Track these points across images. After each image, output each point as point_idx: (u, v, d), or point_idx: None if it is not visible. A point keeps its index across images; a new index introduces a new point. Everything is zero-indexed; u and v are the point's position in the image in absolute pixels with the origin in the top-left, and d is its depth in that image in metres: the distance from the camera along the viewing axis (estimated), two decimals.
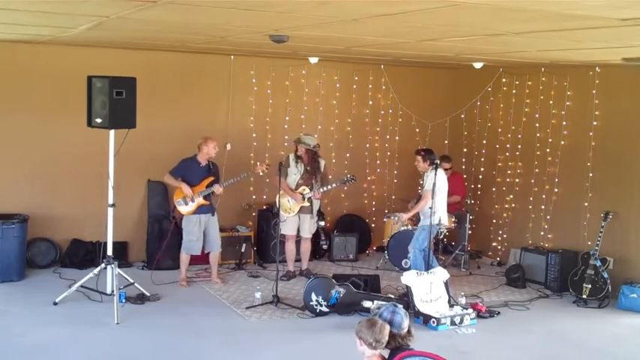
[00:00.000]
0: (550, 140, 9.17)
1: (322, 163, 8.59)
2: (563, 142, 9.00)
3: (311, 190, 8.42)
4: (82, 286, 7.29)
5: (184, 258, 8.28)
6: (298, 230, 8.64)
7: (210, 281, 8.38)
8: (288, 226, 8.55)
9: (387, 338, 3.96)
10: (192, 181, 8.06)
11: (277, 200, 8.38)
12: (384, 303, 4.25)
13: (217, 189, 8.07)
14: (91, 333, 6.55)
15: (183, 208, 8.08)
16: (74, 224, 8.79)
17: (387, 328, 3.99)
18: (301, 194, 8.41)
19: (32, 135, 8.58)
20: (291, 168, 8.50)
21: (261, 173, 8.15)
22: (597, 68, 8.44)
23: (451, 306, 7.38)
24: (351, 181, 8.45)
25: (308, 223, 8.61)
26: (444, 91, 10.73)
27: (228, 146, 9.30)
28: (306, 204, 8.45)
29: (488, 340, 6.92)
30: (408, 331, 4.08)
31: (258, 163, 8.41)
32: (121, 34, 6.67)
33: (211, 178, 8.12)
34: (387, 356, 4.04)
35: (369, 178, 10.40)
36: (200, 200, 8.04)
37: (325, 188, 8.51)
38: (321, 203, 9.06)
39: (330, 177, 8.93)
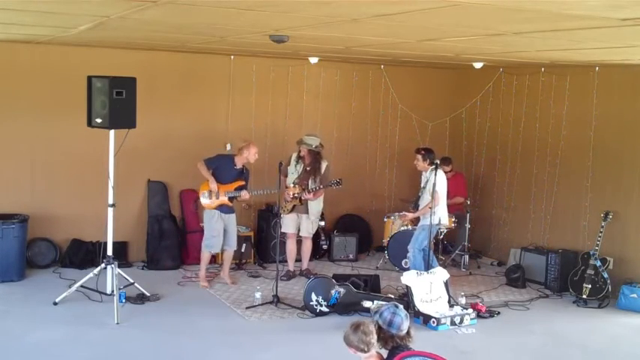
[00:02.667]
0: (550, 140, 9.17)
1: (324, 165, 8.53)
2: (563, 142, 9.00)
3: (305, 190, 8.37)
4: (82, 286, 7.29)
5: (206, 256, 8.27)
6: (299, 229, 8.67)
7: (220, 278, 8.40)
8: (287, 224, 8.61)
9: (375, 336, 3.92)
10: (221, 178, 8.07)
11: (277, 200, 8.38)
12: (384, 303, 4.22)
13: (245, 195, 8.12)
14: (91, 333, 6.55)
15: (205, 201, 8.13)
16: (74, 224, 8.78)
17: (371, 325, 3.94)
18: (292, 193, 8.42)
19: (32, 135, 8.58)
20: (290, 167, 8.53)
21: (291, 195, 8.36)
22: (597, 68, 8.44)
23: (451, 306, 7.38)
24: (335, 185, 8.37)
25: (305, 222, 8.62)
26: (444, 91, 10.72)
27: (229, 146, 9.28)
28: (298, 203, 8.46)
29: (488, 340, 6.92)
30: (408, 333, 4.05)
31: (292, 185, 8.39)
32: (121, 34, 6.66)
33: (241, 183, 8.14)
34: (385, 356, 4.03)
35: (369, 178, 10.40)
36: (224, 199, 8.07)
37: (314, 188, 8.44)
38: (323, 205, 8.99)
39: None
